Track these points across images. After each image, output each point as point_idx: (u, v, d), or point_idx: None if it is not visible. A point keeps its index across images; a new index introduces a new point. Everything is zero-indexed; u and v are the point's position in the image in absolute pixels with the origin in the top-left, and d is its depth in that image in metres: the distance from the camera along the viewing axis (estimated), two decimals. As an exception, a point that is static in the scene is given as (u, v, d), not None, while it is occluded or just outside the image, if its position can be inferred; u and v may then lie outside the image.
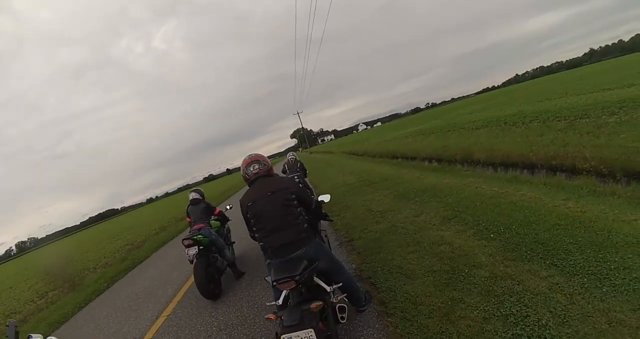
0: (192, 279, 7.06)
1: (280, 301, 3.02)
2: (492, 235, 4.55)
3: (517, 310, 3.00)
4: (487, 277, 3.61)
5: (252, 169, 3.37)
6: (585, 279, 3.14)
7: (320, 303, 2.78)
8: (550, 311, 2.86)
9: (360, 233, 6.32)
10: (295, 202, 3.20)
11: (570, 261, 3.48)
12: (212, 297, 5.62)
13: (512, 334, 2.75)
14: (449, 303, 3.40)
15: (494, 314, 3.04)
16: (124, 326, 5.96)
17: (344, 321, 3.14)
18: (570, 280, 3.20)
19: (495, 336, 2.79)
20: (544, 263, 3.58)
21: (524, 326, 2.79)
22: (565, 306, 2.88)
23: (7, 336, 2.75)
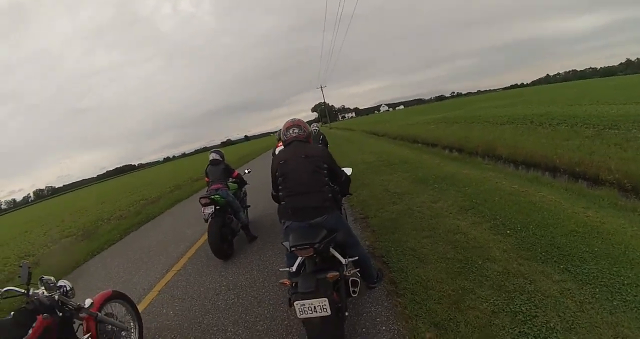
0: (204, 237, 7.18)
1: (294, 268, 3.05)
2: (508, 231, 4.52)
3: (526, 309, 2.99)
4: (500, 272, 3.61)
5: (291, 131, 3.44)
6: (597, 290, 3.10)
7: (337, 273, 2.81)
8: (559, 315, 2.84)
9: (375, 212, 6.34)
10: (325, 171, 3.24)
11: (584, 269, 3.44)
12: (223, 257, 5.74)
13: (519, 332, 2.75)
14: (460, 291, 3.41)
15: (503, 309, 3.04)
16: (134, 277, 6.12)
17: (355, 295, 3.18)
18: (582, 288, 3.16)
19: (502, 331, 2.79)
20: (558, 266, 3.55)
21: (531, 326, 2.79)
22: (574, 312, 2.86)
23: (19, 277, 2.81)
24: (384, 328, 3.17)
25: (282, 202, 3.29)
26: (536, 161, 10.05)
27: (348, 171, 3.80)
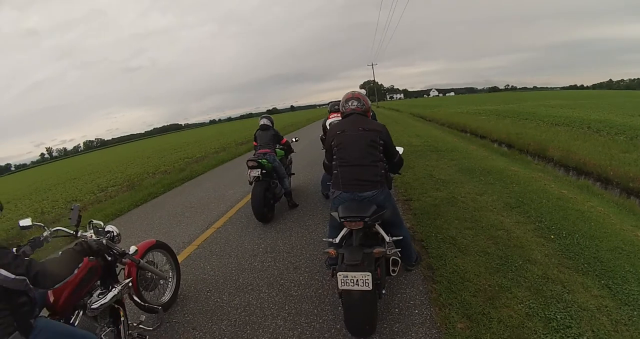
0: (245, 200, 7.43)
1: (337, 240, 3.07)
2: (552, 236, 4.39)
3: (561, 317, 2.92)
4: (539, 275, 3.53)
5: (350, 104, 3.44)
6: (636, 313, 2.97)
7: (383, 249, 2.86)
8: (593, 331, 2.76)
9: (419, 196, 6.30)
10: (381, 147, 3.23)
11: (625, 289, 3.30)
12: (263, 220, 5.89)
13: None
14: (496, 288, 3.38)
15: (538, 314, 2.99)
16: (174, 229, 6.39)
17: (395, 274, 3.22)
18: (620, 308, 3.05)
19: (534, 335, 2.75)
20: (599, 281, 3.44)
21: (563, 336, 2.72)
22: (608, 331, 2.76)
23: (69, 218, 2.94)
24: (416, 311, 3.21)
25: (334, 172, 3.32)
26: (588, 169, 9.72)
27: (400, 150, 3.75)
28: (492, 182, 6.84)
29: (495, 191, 6.23)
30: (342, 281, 2.68)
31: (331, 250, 2.92)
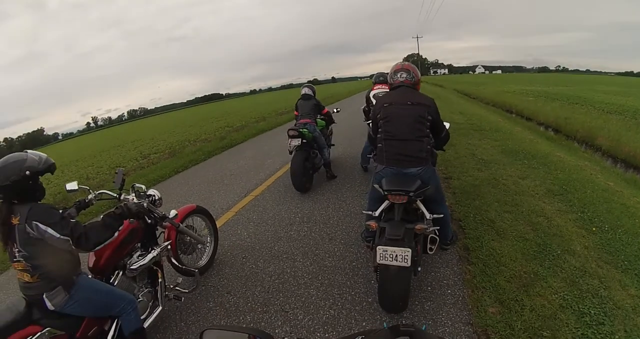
0: (283, 169, 7.52)
1: (376, 213, 3.07)
2: (594, 228, 4.24)
3: (594, 313, 2.85)
4: (577, 268, 3.44)
5: (399, 76, 3.35)
6: None
7: (425, 226, 2.85)
8: (626, 331, 2.67)
9: (459, 175, 6.21)
10: (429, 123, 3.18)
11: None
12: (302, 189, 5.96)
13: (582, 334, 2.64)
14: (532, 275, 3.33)
15: (571, 306, 2.93)
16: (213, 196, 6.57)
17: (432, 252, 3.22)
18: None
19: (565, 327, 2.71)
20: (638, 281, 3.30)
21: (595, 332, 2.66)
22: None
23: (114, 182, 3.07)
24: (449, 291, 3.22)
25: (379, 145, 3.29)
26: (639, 162, 9.31)
27: (446, 125, 3.64)
28: (536, 166, 6.62)
29: (538, 176, 6.05)
30: (381, 255, 2.68)
31: (372, 223, 2.91)
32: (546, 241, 3.94)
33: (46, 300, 2.18)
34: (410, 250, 2.64)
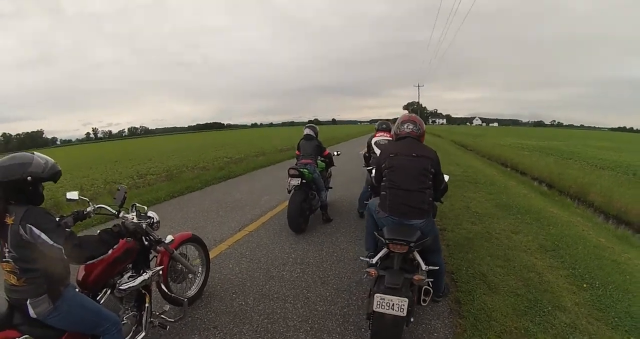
0: (280, 207, 7.57)
1: (374, 260, 3.10)
2: (585, 285, 4.28)
3: None
4: (568, 324, 3.46)
5: (405, 127, 3.48)
6: None
7: (423, 277, 2.88)
8: None
9: (453, 227, 6.25)
10: (431, 175, 3.27)
11: None
12: (297, 230, 5.96)
13: None
14: (522, 331, 3.33)
15: None
16: (207, 226, 6.54)
17: (425, 304, 3.22)
18: None
19: None
20: (628, 337, 3.34)
21: None
22: None
23: (114, 198, 3.07)
24: (439, 344, 3.20)
25: (382, 193, 3.36)
26: (630, 218, 9.34)
27: (446, 177, 3.76)
28: (529, 221, 6.72)
29: (531, 231, 6.13)
30: (378, 303, 2.71)
31: (372, 270, 2.93)
32: (537, 296, 3.95)
33: (29, 307, 2.13)
34: (407, 300, 2.67)
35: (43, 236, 2.05)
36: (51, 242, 2.06)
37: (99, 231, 2.39)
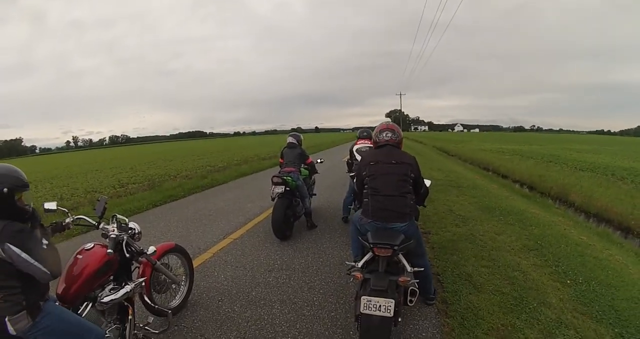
0: (264, 214, 7.53)
1: (359, 264, 3.12)
2: (568, 281, 4.37)
3: None
4: (553, 319, 3.51)
5: (385, 135, 3.55)
6: None
7: (409, 279, 2.90)
8: None
9: (437, 230, 6.29)
10: (411, 180, 3.34)
11: None
12: (281, 237, 5.93)
13: None
14: (509, 328, 3.37)
15: None
16: (191, 235, 6.45)
17: (412, 304, 3.21)
18: None
19: None
20: (612, 330, 3.42)
21: None
22: None
23: (94, 209, 2.98)
24: (427, 344, 3.21)
25: (364, 200, 3.40)
26: (609, 216, 9.59)
27: (427, 183, 3.80)
28: (512, 222, 6.81)
29: (514, 232, 6.22)
30: (365, 305, 2.73)
31: (357, 274, 2.94)
32: (522, 294, 4.00)
33: (8, 324, 2.03)
34: (393, 301, 2.70)
35: (24, 255, 1.98)
36: (33, 262, 1.99)
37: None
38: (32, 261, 1.99)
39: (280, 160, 6.80)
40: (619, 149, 33.17)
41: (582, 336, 3.28)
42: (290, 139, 6.77)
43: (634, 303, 3.94)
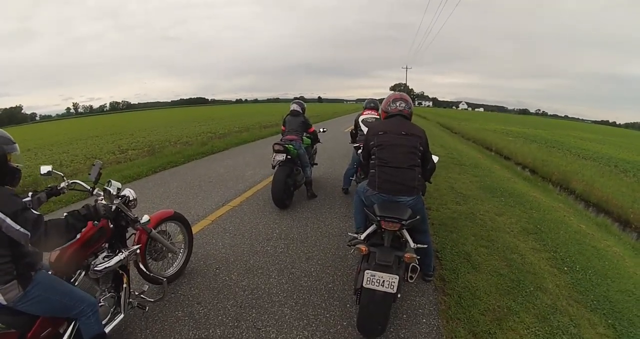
0: (264, 182, 7.51)
1: (362, 236, 3.08)
2: (565, 268, 4.38)
3: None
4: (548, 305, 3.53)
5: (397, 104, 3.45)
6: None
7: (415, 256, 2.85)
8: None
9: (438, 206, 6.25)
10: (420, 153, 3.25)
11: (631, 332, 3.30)
12: (281, 206, 5.90)
13: None
14: (505, 310, 3.38)
15: None
16: (190, 201, 6.41)
17: (412, 281, 3.19)
18: None
19: None
20: (605, 321, 3.44)
21: None
22: None
23: (89, 174, 2.93)
24: (424, 320, 3.22)
25: (371, 171, 3.32)
26: (609, 208, 9.61)
27: (435, 158, 3.74)
28: (512, 204, 6.78)
29: (514, 214, 6.19)
30: (369, 279, 2.68)
31: (362, 247, 2.89)
32: (520, 277, 4.00)
33: None
34: (397, 277, 2.66)
35: (8, 220, 1.90)
36: (17, 228, 1.92)
37: (65, 214, 2.23)
38: (17, 227, 1.92)
39: (283, 128, 6.65)
40: (624, 141, 33.12)
41: (576, 324, 3.29)
42: (294, 107, 6.65)
43: (628, 296, 3.96)
